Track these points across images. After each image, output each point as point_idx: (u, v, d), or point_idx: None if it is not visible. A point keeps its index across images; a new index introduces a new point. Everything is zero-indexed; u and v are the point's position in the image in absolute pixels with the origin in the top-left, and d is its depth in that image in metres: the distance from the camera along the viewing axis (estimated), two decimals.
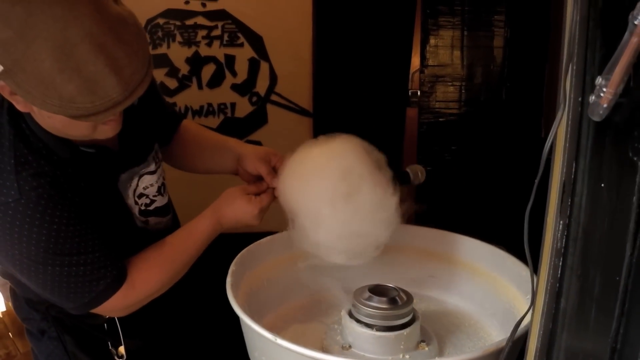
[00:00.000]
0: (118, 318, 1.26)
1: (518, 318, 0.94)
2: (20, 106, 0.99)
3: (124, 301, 1.15)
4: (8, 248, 1.05)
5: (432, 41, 2.52)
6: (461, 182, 2.60)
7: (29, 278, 1.10)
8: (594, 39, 0.70)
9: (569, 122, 0.73)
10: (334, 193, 1.14)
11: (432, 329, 1.27)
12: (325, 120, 2.60)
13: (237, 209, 1.23)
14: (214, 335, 1.57)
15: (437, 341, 1.23)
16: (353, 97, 2.55)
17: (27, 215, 1.02)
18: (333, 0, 2.44)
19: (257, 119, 2.60)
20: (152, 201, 1.31)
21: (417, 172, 1.76)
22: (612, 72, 0.63)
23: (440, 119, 2.60)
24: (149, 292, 1.19)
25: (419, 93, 2.59)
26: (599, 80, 0.65)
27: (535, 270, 0.85)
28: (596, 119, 0.67)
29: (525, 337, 0.88)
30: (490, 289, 1.33)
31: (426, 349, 1.18)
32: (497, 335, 1.26)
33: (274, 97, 2.58)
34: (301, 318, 1.37)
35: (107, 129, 1.06)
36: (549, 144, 0.73)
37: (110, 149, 1.20)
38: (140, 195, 1.28)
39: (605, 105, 0.65)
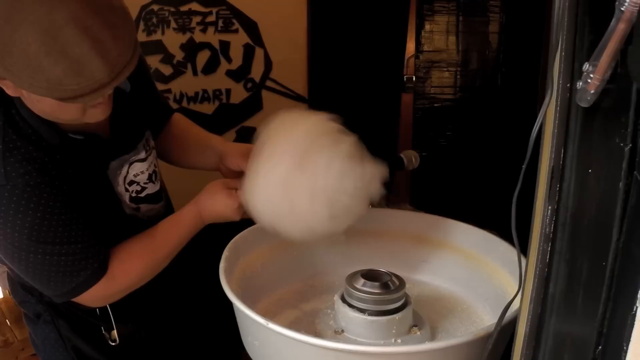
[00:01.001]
0: (109, 304, 1.26)
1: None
2: (10, 91, 0.99)
3: (104, 292, 1.16)
4: None
5: (427, 26, 2.51)
6: (456, 167, 2.61)
7: (12, 263, 1.12)
8: (582, 25, 0.70)
9: (558, 108, 0.74)
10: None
11: (424, 314, 1.28)
12: (321, 106, 2.59)
13: (218, 202, 1.24)
14: (208, 321, 1.58)
15: (430, 326, 1.25)
16: (348, 83, 2.55)
17: (12, 201, 1.03)
18: None
19: (252, 105, 2.60)
20: (143, 188, 1.31)
21: (411, 158, 1.77)
22: (599, 59, 0.63)
23: (436, 105, 2.60)
24: (130, 283, 1.20)
25: (414, 79, 2.58)
26: (586, 66, 0.65)
27: (524, 254, 0.86)
28: (584, 104, 0.68)
29: (515, 321, 0.89)
30: (483, 274, 1.34)
31: (418, 333, 1.19)
32: (489, 319, 1.27)
33: (269, 83, 2.58)
34: (295, 303, 1.38)
35: (96, 112, 1.07)
36: (536, 130, 0.74)
37: (99, 136, 1.20)
38: (131, 183, 1.28)
39: (592, 92, 0.65)
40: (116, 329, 1.30)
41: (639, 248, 0.63)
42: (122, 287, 1.20)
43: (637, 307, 0.64)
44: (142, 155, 1.30)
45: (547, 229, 0.78)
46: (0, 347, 1.91)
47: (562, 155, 0.75)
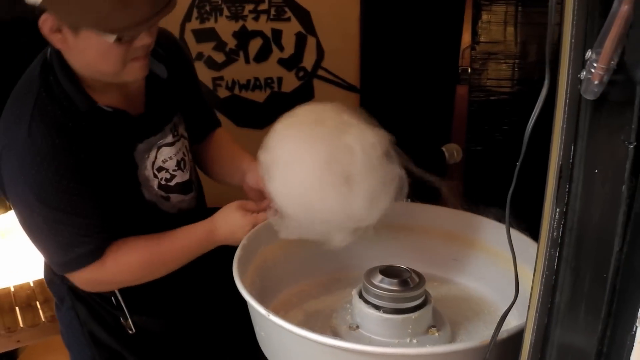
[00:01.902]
0: (121, 293, 1.28)
1: None
2: (59, 42, 1.08)
3: (92, 276, 1.17)
4: (12, 185, 1.12)
5: (484, 17, 2.40)
6: (512, 163, 2.49)
7: (20, 221, 1.16)
8: (592, 8, 0.63)
9: (567, 101, 0.67)
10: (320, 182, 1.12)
11: (448, 315, 1.22)
12: (372, 97, 2.55)
13: (231, 222, 1.25)
14: (226, 316, 1.57)
15: (451, 327, 1.19)
16: (401, 74, 2.48)
17: (28, 155, 1.08)
18: None
19: (304, 94, 2.58)
20: (172, 176, 1.32)
21: (452, 152, 1.72)
22: (602, 45, 0.57)
23: (492, 98, 2.49)
24: (121, 277, 1.21)
25: (469, 70, 2.48)
26: (589, 54, 0.58)
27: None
28: (589, 97, 0.61)
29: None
30: (512, 276, 1.26)
31: (436, 334, 1.14)
32: (515, 324, 1.20)
33: (320, 72, 2.56)
34: (317, 295, 1.36)
35: (135, 68, 1.14)
36: (532, 124, 0.67)
37: (128, 113, 1.22)
38: (160, 169, 1.29)
39: (596, 82, 0.59)
40: (130, 318, 1.31)
41: None
42: (111, 279, 1.21)
43: (637, 327, 0.57)
44: (170, 139, 1.31)
45: (555, 233, 0.72)
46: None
47: (571, 154, 0.68)
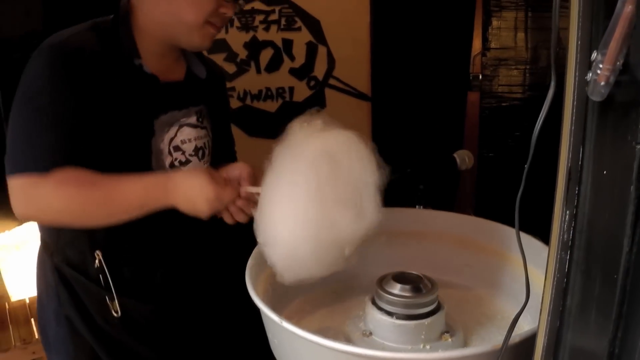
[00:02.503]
0: (110, 272, 1.24)
1: None
2: None
3: (30, 188, 1.10)
4: (24, 76, 1.15)
5: (494, 23, 2.40)
6: (529, 170, 2.48)
7: (11, 112, 1.15)
8: (598, 9, 0.63)
9: (575, 103, 0.67)
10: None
11: (462, 321, 1.22)
12: (384, 105, 2.56)
13: (195, 183, 1.12)
14: (227, 319, 1.54)
15: (465, 333, 1.19)
16: (412, 81, 2.49)
17: (41, 57, 1.13)
18: None
19: (315, 103, 2.59)
20: (188, 160, 1.30)
21: (464, 158, 1.70)
22: (607, 47, 0.57)
23: (503, 104, 2.48)
24: (57, 200, 1.11)
25: (480, 77, 2.48)
26: (594, 55, 0.59)
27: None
28: (596, 98, 0.61)
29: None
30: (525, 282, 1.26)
31: (450, 340, 1.14)
32: (528, 328, 1.19)
33: (332, 81, 2.57)
34: (330, 302, 1.36)
35: (207, 32, 1.22)
36: (539, 126, 0.67)
37: (158, 79, 1.25)
38: (177, 148, 1.28)
39: (602, 83, 0.59)
40: (117, 299, 1.25)
41: None
42: (47, 200, 1.11)
43: None
44: (193, 120, 1.31)
45: (565, 236, 0.72)
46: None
47: (580, 156, 0.68)
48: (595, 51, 0.58)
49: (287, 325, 0.99)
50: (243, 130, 2.52)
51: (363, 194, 1.04)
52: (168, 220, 1.19)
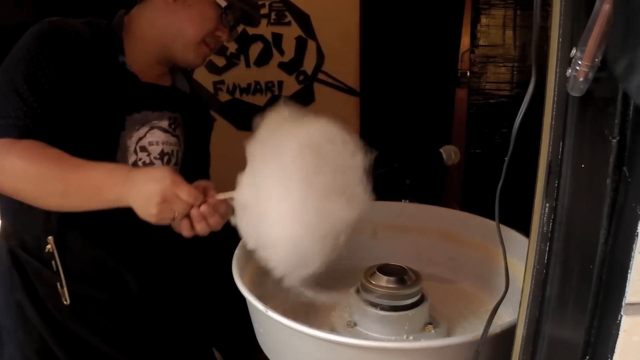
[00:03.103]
0: (61, 259, 1.23)
1: None
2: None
3: None
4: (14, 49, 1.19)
5: (483, 20, 2.43)
6: (511, 165, 2.51)
7: None
8: (578, 8, 0.65)
9: (555, 99, 0.69)
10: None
11: (445, 312, 1.24)
12: (373, 100, 2.57)
13: (155, 175, 1.06)
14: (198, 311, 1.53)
15: (448, 325, 1.21)
16: (401, 77, 2.51)
17: (34, 34, 1.18)
18: None
19: (304, 97, 2.61)
20: (152, 163, 1.30)
21: (450, 153, 1.72)
22: (586, 43, 0.58)
23: (491, 101, 2.51)
24: (19, 169, 1.09)
25: (468, 74, 2.51)
26: (574, 52, 0.60)
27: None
28: (576, 94, 0.63)
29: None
30: (510, 276, 1.28)
31: (433, 331, 1.16)
32: (509, 320, 1.22)
33: (321, 76, 2.58)
34: (316, 293, 1.37)
35: (201, 51, 1.30)
36: (519, 121, 0.69)
37: (138, 78, 1.28)
38: (143, 149, 1.28)
39: (581, 79, 0.60)
40: (67, 287, 1.24)
41: (624, 253, 0.58)
42: (11, 166, 1.09)
43: (622, 317, 0.59)
44: (165, 124, 1.32)
45: (545, 228, 0.74)
46: None
47: (560, 150, 0.70)
48: (575, 48, 0.60)
49: (272, 314, 1.00)
50: (232, 123, 2.53)
51: (351, 180, 1.02)
52: (124, 214, 1.16)
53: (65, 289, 1.24)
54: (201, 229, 1.09)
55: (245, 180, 1.06)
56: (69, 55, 1.18)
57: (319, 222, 1.00)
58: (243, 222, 1.05)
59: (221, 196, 1.10)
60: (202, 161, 1.51)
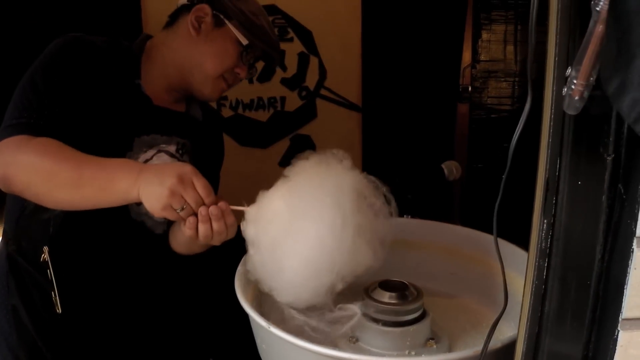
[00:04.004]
0: (55, 268, 1.24)
1: None
2: (192, 27, 1.29)
3: (10, 149, 1.12)
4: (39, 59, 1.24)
5: (484, 36, 2.44)
6: (513, 180, 2.51)
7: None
8: (574, 28, 0.66)
9: (552, 117, 0.70)
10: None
11: (447, 328, 1.24)
12: (375, 115, 2.59)
13: (172, 164, 1.12)
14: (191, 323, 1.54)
15: (450, 340, 1.21)
16: (402, 93, 2.52)
17: (59, 46, 1.23)
18: None
19: (307, 113, 2.62)
20: None
21: (452, 168, 1.73)
22: (581, 63, 0.60)
23: (493, 116, 2.52)
24: (26, 160, 1.11)
25: (470, 88, 2.52)
26: (569, 71, 0.62)
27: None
28: (571, 112, 0.64)
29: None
30: (510, 291, 1.28)
31: (434, 346, 1.16)
32: (510, 335, 1.22)
33: (323, 92, 2.60)
34: (318, 308, 1.38)
35: (217, 86, 1.34)
36: (516, 139, 0.70)
37: (151, 100, 1.30)
38: None
39: (577, 98, 0.62)
40: (60, 296, 1.24)
41: (620, 269, 0.59)
42: (20, 157, 1.11)
43: (619, 332, 0.59)
44: (173, 149, 1.33)
45: (543, 244, 0.74)
46: None
47: (557, 167, 0.71)
48: (570, 67, 0.61)
49: (274, 330, 1.01)
50: (235, 139, 2.55)
51: (380, 231, 1.08)
52: (122, 227, 1.24)
53: (57, 297, 1.25)
54: (204, 230, 1.07)
55: (270, 200, 1.07)
56: (88, 70, 1.22)
57: (344, 257, 1.03)
58: (251, 232, 1.07)
59: (235, 208, 1.10)
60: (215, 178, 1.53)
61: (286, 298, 1.07)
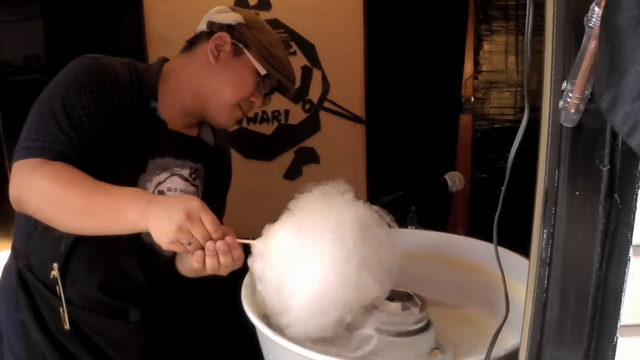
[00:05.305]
0: (63, 284, 1.25)
1: None
2: (212, 55, 1.31)
3: (28, 171, 1.14)
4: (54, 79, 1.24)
5: (485, 47, 2.47)
6: (516, 190, 2.52)
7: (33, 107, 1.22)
8: (570, 43, 0.68)
9: (550, 129, 0.72)
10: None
11: (451, 338, 1.25)
12: (378, 127, 2.61)
13: (181, 197, 1.11)
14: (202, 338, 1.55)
15: (454, 350, 1.22)
16: (405, 104, 2.55)
17: (80, 64, 1.23)
18: (384, 8, 2.45)
19: (310, 126, 2.65)
20: None
21: (455, 180, 1.75)
22: (576, 77, 0.62)
23: (495, 126, 2.54)
24: (38, 184, 1.12)
25: (472, 99, 2.54)
26: (564, 85, 0.63)
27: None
28: (568, 125, 0.66)
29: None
30: (513, 299, 1.29)
31: (439, 356, 1.17)
32: (513, 344, 1.23)
33: (326, 104, 2.63)
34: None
35: (233, 114, 1.35)
36: (514, 151, 0.72)
37: (166, 125, 1.31)
38: (161, 193, 1.31)
39: (573, 111, 0.63)
40: (68, 312, 1.25)
41: (617, 277, 0.60)
42: (33, 181, 1.13)
43: (617, 338, 0.61)
44: (186, 173, 1.35)
45: (544, 254, 0.76)
46: None
47: (556, 178, 0.73)
48: (565, 81, 0.63)
49: (281, 341, 1.02)
50: (240, 152, 2.57)
51: (386, 262, 1.08)
52: (131, 250, 1.27)
53: (66, 314, 1.26)
54: (211, 264, 1.08)
55: (275, 237, 1.07)
56: (105, 92, 1.21)
57: (348, 292, 1.03)
58: (258, 268, 1.08)
59: (241, 241, 1.10)
60: (217, 213, 1.53)
61: (295, 333, 1.07)
